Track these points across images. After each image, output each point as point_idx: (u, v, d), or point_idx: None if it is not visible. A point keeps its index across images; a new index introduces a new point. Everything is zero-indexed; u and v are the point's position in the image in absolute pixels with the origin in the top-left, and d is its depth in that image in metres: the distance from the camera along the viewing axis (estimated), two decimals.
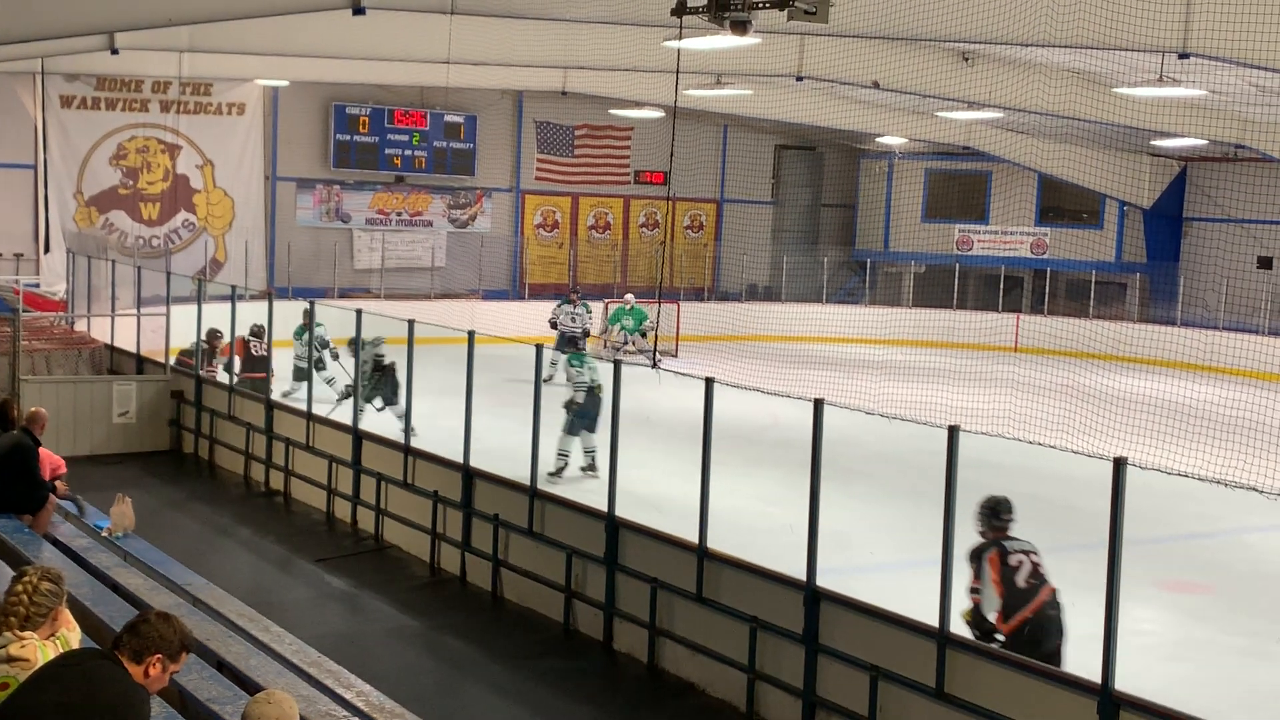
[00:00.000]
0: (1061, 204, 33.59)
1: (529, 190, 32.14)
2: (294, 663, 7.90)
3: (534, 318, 26.76)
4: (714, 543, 9.73)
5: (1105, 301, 32.44)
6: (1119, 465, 7.09)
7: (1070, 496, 13.71)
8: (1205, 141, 27.33)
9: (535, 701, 9.53)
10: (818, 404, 8.82)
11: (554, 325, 24.55)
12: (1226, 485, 12.02)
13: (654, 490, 12.66)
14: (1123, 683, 7.05)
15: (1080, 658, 7.24)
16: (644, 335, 25.71)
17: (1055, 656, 7.79)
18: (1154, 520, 13.16)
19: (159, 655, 4.77)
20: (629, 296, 26.30)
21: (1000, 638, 7.93)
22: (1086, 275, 32.73)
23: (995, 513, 8.36)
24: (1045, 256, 33.47)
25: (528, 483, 11.44)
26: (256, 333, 17.61)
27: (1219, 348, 28.65)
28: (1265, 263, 31.12)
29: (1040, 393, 20.49)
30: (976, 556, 8.17)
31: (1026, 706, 7.43)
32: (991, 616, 8.03)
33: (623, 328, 26.06)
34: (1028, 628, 7.91)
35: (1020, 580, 8.03)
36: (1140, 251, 33.18)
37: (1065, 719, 7.23)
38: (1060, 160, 31.63)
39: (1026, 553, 8.21)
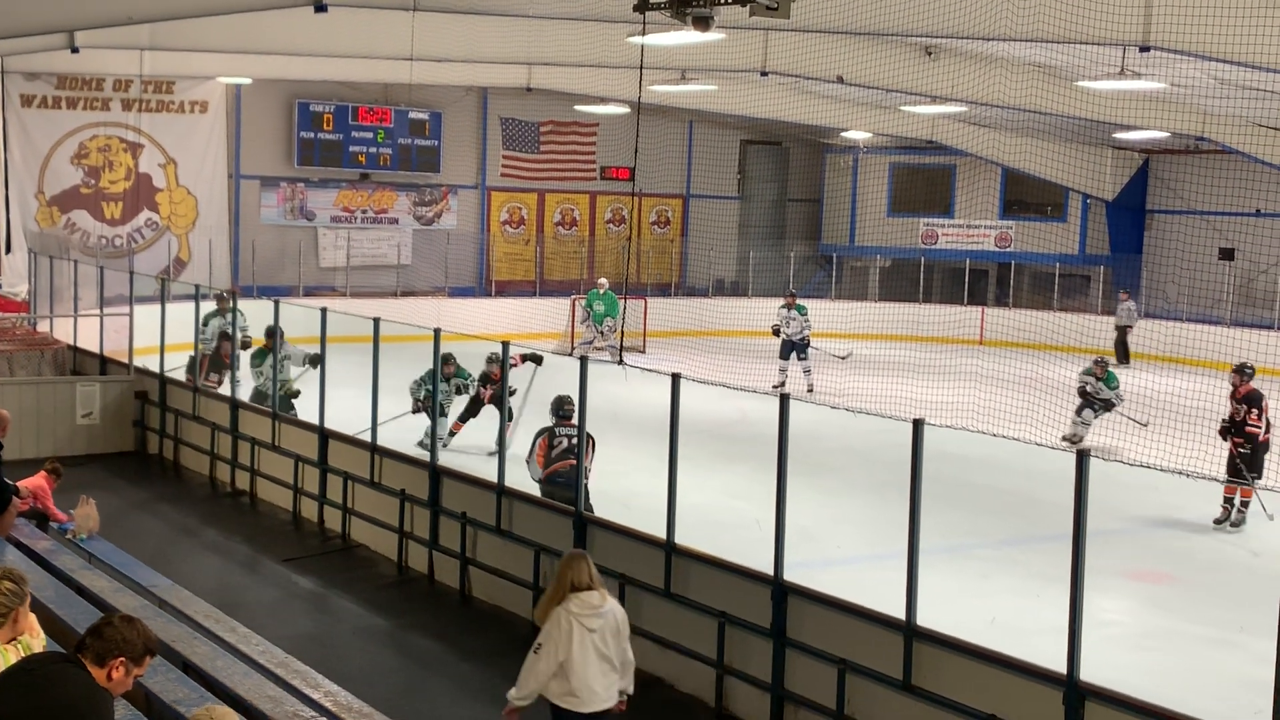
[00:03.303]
0: (1025, 197, 33.76)
1: (495, 187, 32.08)
2: (261, 663, 7.86)
3: (501, 314, 26.75)
4: (681, 538, 9.75)
5: (1069, 294, 32.65)
6: (1081, 457, 7.14)
7: (1035, 488, 13.82)
8: (1167, 134, 27.54)
9: (504, 700, 9.50)
10: (784, 398, 8.83)
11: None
12: (1188, 476, 12.12)
13: (621, 486, 12.66)
14: (1088, 673, 7.10)
15: (1046, 648, 7.28)
16: (604, 327, 25.71)
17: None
18: (1117, 511, 13.28)
19: (122, 658, 4.74)
20: (602, 281, 26.19)
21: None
22: (1050, 268, 32.92)
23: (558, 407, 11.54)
24: (1009, 250, 33.64)
25: (495, 480, 11.42)
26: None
27: (1182, 339, 28.88)
28: (1227, 254, 31.38)
29: (1005, 385, 20.58)
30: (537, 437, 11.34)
31: (993, 697, 7.47)
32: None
33: (594, 313, 25.97)
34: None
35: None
36: (1103, 244, 33.40)
37: (1031, 709, 7.27)
38: (1024, 154, 31.78)
39: (572, 438, 11.04)
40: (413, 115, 30.01)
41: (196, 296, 17.02)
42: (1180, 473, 12.17)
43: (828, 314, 31.22)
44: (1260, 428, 13.57)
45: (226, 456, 15.79)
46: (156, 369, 17.49)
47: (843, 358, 21.70)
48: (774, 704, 8.79)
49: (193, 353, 17.38)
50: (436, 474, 12.20)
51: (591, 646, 7.02)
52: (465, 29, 21.03)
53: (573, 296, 28.76)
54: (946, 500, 12.33)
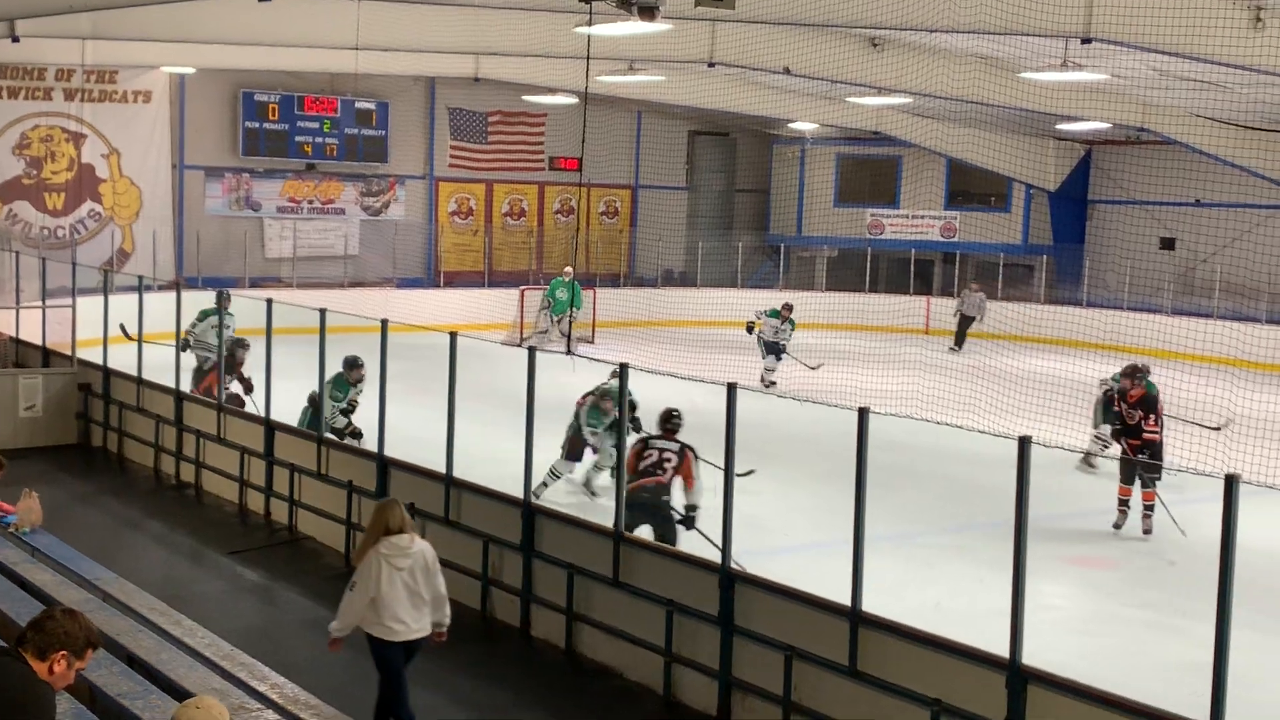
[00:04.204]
0: (970, 188, 34.00)
1: (443, 177, 31.95)
2: (206, 656, 7.81)
3: (450, 305, 26.64)
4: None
5: (1013, 283, 32.92)
6: (1024, 444, 7.20)
7: (978, 475, 13.93)
8: (1108, 125, 27.83)
9: (452, 689, 9.50)
10: (731, 388, 8.86)
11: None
12: (1128, 461, 12.25)
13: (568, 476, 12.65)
14: (1032, 657, 7.16)
15: (991, 632, 7.35)
16: (568, 316, 25.61)
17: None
18: (1060, 497, 13.41)
19: (64, 652, 4.70)
20: (568, 270, 26.03)
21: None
22: (995, 257, 33.18)
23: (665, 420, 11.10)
24: (954, 240, 33.89)
25: (443, 471, 11.37)
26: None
27: (1123, 327, 29.17)
28: (1168, 243, 31.75)
29: (950, 374, 20.78)
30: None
31: (937, 681, 7.53)
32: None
33: (556, 302, 25.85)
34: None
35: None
36: (1047, 234, 33.70)
37: (975, 693, 7.33)
38: (968, 144, 32.00)
39: (666, 453, 10.70)
40: (359, 105, 29.82)
41: (140, 288, 16.82)
42: (1121, 459, 12.31)
43: (776, 304, 31.33)
44: (1158, 432, 13.18)
45: (171, 449, 15.64)
46: (100, 361, 17.29)
47: (814, 368, 21.58)
48: (722, 691, 8.82)
49: (197, 361, 16.80)
50: (384, 465, 12.14)
51: (401, 584, 7.76)
52: (412, 18, 20.93)
53: (522, 287, 28.68)
54: (893, 488, 12.46)
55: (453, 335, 11.50)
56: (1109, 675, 7.68)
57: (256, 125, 28.83)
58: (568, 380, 14.90)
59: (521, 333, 26.57)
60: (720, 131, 35.16)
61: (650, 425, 11.58)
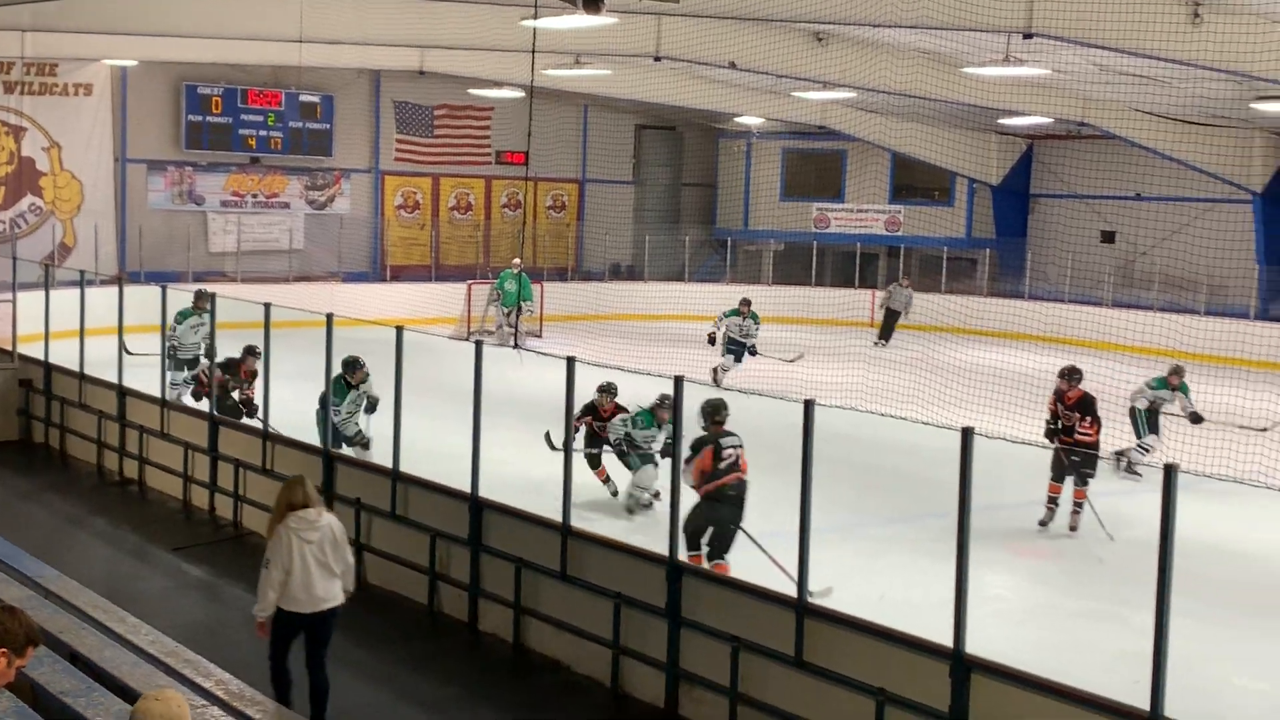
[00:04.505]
0: (914, 182, 34.22)
1: (389, 171, 31.76)
2: (150, 653, 7.73)
3: (396, 300, 26.48)
4: (578, 521, 9.75)
5: (957, 276, 33.17)
6: (966, 435, 7.26)
7: (922, 467, 14.01)
8: (1050, 119, 28.07)
9: (400, 685, 9.46)
10: (678, 381, 8.87)
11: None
12: (1071, 452, 12.38)
13: (516, 471, 12.60)
14: (975, 646, 7.22)
15: (935, 623, 7.40)
16: (509, 313, 25.51)
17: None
18: (1004, 488, 13.52)
19: (3, 649, 4.64)
20: (516, 261, 25.88)
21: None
22: (939, 251, 33.40)
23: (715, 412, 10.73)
24: (899, 233, 34.09)
25: (390, 466, 11.31)
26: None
27: (1064, 320, 29.46)
28: (1108, 237, 32.10)
29: (894, 366, 20.89)
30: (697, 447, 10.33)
31: (882, 672, 7.58)
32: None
33: (505, 294, 25.71)
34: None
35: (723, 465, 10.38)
36: (990, 227, 33.96)
37: (920, 682, 7.38)
38: (912, 139, 32.19)
39: (736, 447, 10.52)
40: (303, 98, 29.57)
41: (81, 283, 16.62)
42: (1064, 450, 12.43)
43: (722, 298, 31.40)
44: (1093, 434, 13.13)
45: (114, 445, 15.46)
46: (41, 357, 17.06)
47: (791, 361, 21.31)
48: (669, 683, 8.83)
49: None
50: (330, 460, 12.06)
51: (311, 557, 7.98)
52: (356, 10, 20.77)
53: (469, 281, 28.58)
54: (838, 480, 12.50)
55: (399, 330, 11.44)
56: (1052, 665, 7.76)
57: (200, 118, 28.53)
58: (516, 375, 14.88)
59: (469, 327, 26.48)
60: (667, 125, 35.18)
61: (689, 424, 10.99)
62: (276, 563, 7.97)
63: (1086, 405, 13.27)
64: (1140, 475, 15.05)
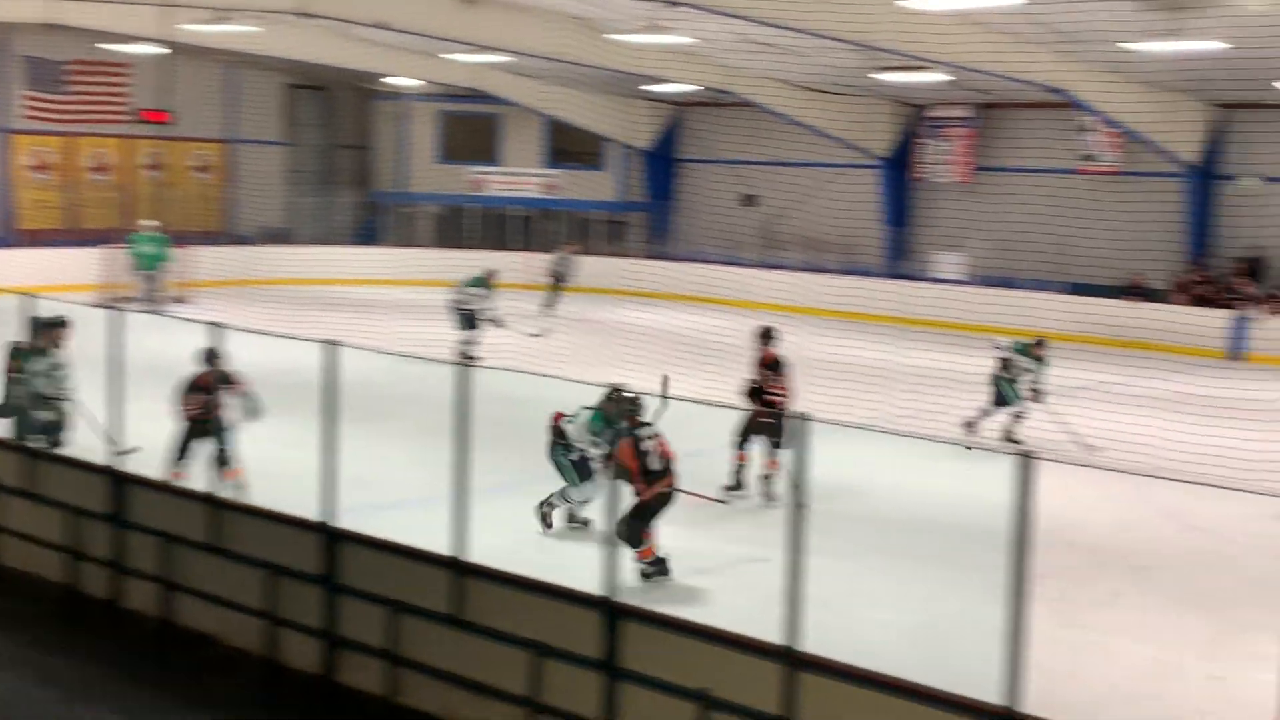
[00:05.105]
0: (568, 146, 34.56)
1: (18, 130, 29.61)
2: None
3: (32, 266, 24.76)
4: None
5: (611, 239, 33.79)
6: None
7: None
8: (695, 87, 28.88)
9: (39, 668, 8.89)
10: (329, 344, 8.63)
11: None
12: (717, 406, 12.75)
13: (160, 442, 12.00)
14: (630, 594, 7.36)
15: (592, 577, 7.50)
16: (148, 277, 24.31)
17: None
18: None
19: None
20: (149, 222, 24.30)
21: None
22: (592, 215, 33.91)
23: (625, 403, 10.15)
24: (555, 197, 34.39)
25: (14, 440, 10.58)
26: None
27: (711, 280, 30.51)
28: (749, 200, 33.34)
29: (554, 328, 21.05)
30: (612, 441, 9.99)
31: (536, 624, 7.63)
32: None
33: (141, 258, 24.34)
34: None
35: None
36: (641, 191, 34.71)
37: (569, 630, 7.47)
38: (564, 104, 32.50)
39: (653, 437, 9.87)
40: None
41: None
42: (711, 404, 12.79)
43: (378, 261, 30.94)
44: (783, 394, 12.97)
45: None
46: None
47: (534, 335, 20.11)
48: (327, 649, 8.63)
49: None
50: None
51: None
52: None
53: (108, 245, 27.02)
54: (499, 440, 12.48)
55: (30, 296, 10.69)
56: (715, 609, 8.03)
57: None
58: (157, 342, 14.15)
59: (113, 292, 25.05)
60: (319, 86, 34.22)
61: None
62: None
63: (779, 365, 13.17)
64: (1022, 441, 15.02)
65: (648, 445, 9.95)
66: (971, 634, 8.03)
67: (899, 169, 30.57)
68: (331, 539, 8.65)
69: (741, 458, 12.88)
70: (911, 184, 30.72)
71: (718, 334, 19.12)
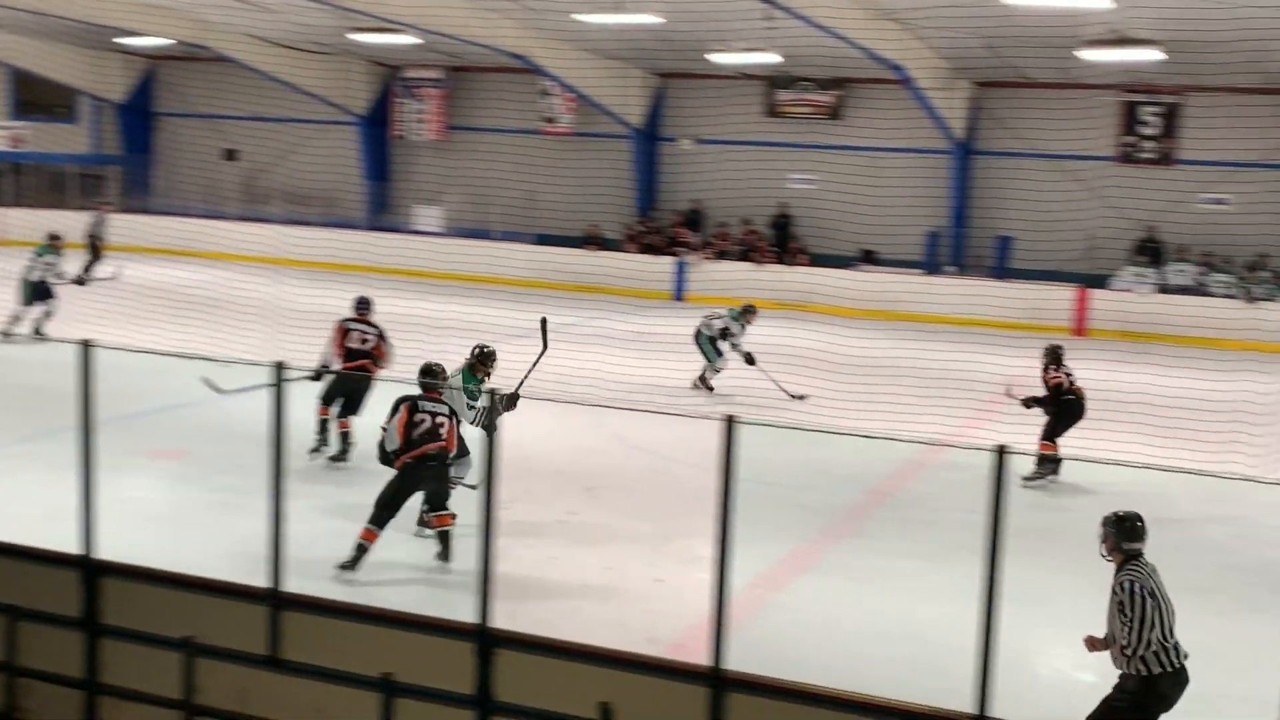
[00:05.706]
0: (37, 98, 32.13)
1: None
2: None
3: None
4: None
5: (87, 193, 31.66)
6: (87, 347, 7.05)
7: (50, 381, 13.36)
8: (169, 41, 27.52)
9: None
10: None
11: None
12: (209, 359, 12.45)
13: None
14: (108, 551, 7.05)
15: (66, 534, 7.16)
16: None
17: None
18: (132, 396, 13.32)
19: None
20: None
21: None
22: (67, 169, 31.71)
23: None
24: (22, 150, 31.77)
25: None
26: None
27: (194, 234, 29.39)
28: (231, 154, 32.26)
29: (116, 291, 19.38)
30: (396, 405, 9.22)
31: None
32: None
33: None
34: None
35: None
36: (116, 145, 32.80)
37: (50, 592, 7.14)
38: (30, 54, 30.20)
39: (433, 414, 9.20)
40: None
41: None
42: (203, 358, 12.45)
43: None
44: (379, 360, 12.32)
45: None
46: None
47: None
48: None
49: None
50: None
51: None
52: None
53: None
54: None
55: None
56: (188, 556, 7.89)
57: None
58: None
59: None
60: None
61: None
62: None
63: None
64: (713, 389, 16.28)
65: (422, 419, 9.19)
66: None
67: (378, 127, 30.57)
68: None
69: (324, 412, 12.26)
70: (390, 141, 30.81)
71: (200, 287, 18.49)
